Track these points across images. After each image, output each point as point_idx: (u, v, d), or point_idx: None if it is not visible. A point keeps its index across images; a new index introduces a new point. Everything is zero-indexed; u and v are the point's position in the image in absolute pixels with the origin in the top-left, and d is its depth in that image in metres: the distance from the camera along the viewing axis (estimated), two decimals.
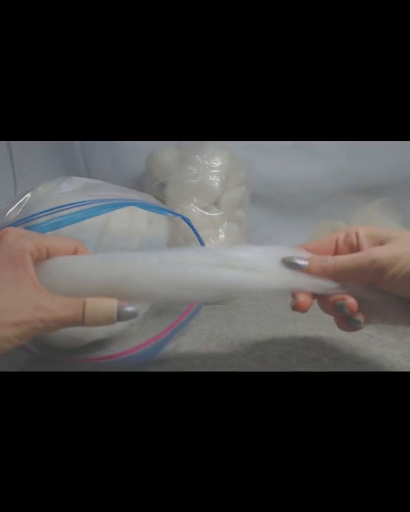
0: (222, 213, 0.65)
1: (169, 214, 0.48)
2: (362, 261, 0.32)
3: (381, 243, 0.34)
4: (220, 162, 0.65)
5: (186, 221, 0.48)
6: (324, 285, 0.33)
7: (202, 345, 0.49)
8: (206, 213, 0.64)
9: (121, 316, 0.32)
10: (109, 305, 0.32)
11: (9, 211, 0.44)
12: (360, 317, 0.33)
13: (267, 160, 0.77)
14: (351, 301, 0.33)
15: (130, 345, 0.47)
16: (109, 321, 0.32)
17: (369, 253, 0.32)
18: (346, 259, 0.33)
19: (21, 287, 0.30)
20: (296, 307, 0.34)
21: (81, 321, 0.31)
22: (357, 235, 0.35)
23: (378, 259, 0.32)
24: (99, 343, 0.49)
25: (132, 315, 0.32)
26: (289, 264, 0.33)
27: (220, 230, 0.66)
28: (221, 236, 0.65)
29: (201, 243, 0.50)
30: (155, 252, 0.34)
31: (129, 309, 0.32)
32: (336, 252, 0.36)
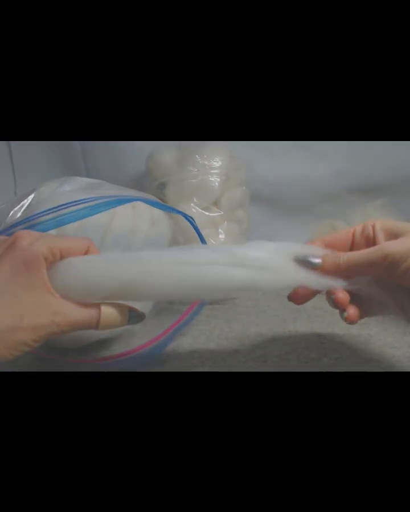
0: (222, 213, 0.65)
1: (174, 212, 0.48)
2: (375, 256, 0.32)
3: (395, 236, 0.34)
4: (220, 162, 0.65)
5: (188, 219, 0.48)
6: (334, 283, 0.34)
7: (202, 345, 0.49)
8: (206, 213, 0.64)
9: (131, 320, 0.33)
10: (122, 310, 0.33)
11: (12, 211, 0.44)
12: (347, 312, 0.34)
13: (267, 160, 0.77)
14: (339, 295, 0.33)
15: (131, 344, 0.47)
16: (121, 324, 0.33)
17: (382, 248, 0.32)
18: (359, 255, 0.33)
19: (36, 292, 0.30)
20: (292, 296, 0.35)
21: (95, 325, 0.32)
22: (373, 228, 0.35)
23: (390, 254, 0.31)
24: (102, 343, 0.49)
25: (141, 318, 0.34)
26: (302, 262, 0.33)
27: (220, 230, 0.66)
28: (221, 236, 0.65)
29: (203, 242, 0.50)
30: (167, 251, 0.34)
31: (138, 313, 0.34)
32: (353, 245, 0.36)
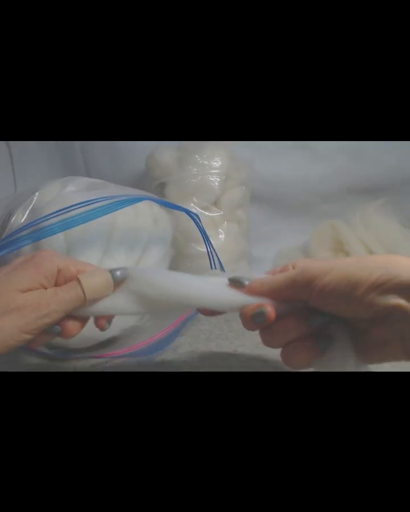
0: (222, 213, 0.66)
1: (181, 210, 0.48)
2: (294, 274, 0.33)
3: None
4: (220, 162, 0.65)
5: (193, 218, 0.48)
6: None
7: (202, 345, 0.49)
8: (206, 213, 0.64)
9: (116, 279, 0.34)
10: (102, 272, 0.34)
11: (16, 215, 0.44)
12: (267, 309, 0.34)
13: (267, 160, 0.77)
14: (268, 308, 0.33)
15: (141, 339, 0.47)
16: (108, 287, 0.33)
17: (300, 266, 0.33)
18: (282, 275, 0.34)
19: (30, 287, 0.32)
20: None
21: (83, 296, 0.33)
22: (293, 267, 0.35)
23: (308, 268, 0.32)
24: (110, 341, 0.49)
25: (125, 273, 0.34)
26: (234, 282, 0.35)
27: (219, 230, 0.66)
28: (221, 236, 0.66)
29: (207, 241, 0.50)
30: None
31: (120, 271, 0.34)
32: None
